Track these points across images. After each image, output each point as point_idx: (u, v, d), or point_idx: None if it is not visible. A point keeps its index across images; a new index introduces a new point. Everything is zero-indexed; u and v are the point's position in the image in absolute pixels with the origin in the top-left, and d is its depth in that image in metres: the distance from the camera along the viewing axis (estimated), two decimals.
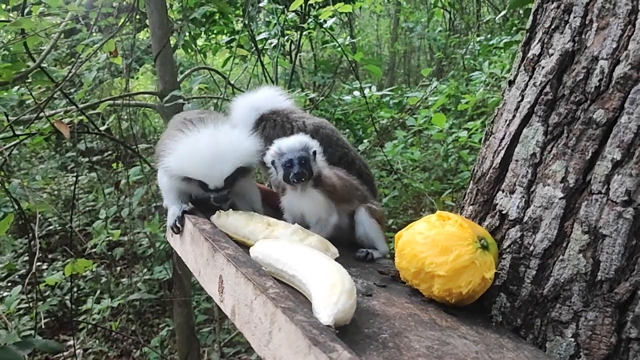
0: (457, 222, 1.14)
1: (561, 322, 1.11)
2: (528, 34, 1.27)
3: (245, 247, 1.27)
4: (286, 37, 4.58)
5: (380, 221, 1.53)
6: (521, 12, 7.12)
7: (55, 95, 4.74)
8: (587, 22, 1.12)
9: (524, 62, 1.25)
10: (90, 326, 4.66)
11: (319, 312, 0.93)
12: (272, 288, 1.00)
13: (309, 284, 1.03)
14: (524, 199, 1.18)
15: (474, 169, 1.38)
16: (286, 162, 1.38)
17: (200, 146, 1.41)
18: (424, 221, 1.20)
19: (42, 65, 3.37)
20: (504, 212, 1.21)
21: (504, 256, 1.20)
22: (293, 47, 5.41)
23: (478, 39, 6.58)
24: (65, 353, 4.48)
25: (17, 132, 3.40)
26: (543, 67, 1.19)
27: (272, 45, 4.28)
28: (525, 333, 1.16)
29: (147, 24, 4.35)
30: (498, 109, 1.32)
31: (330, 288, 0.96)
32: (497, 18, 5.64)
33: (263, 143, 1.65)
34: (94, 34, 3.50)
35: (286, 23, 4.48)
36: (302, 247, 1.15)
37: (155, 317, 5.33)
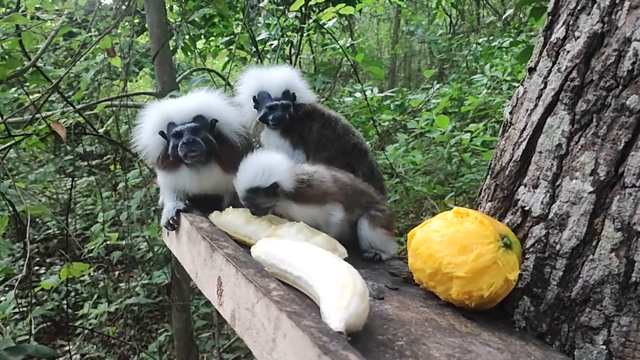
0: (476, 218, 1.05)
1: (591, 328, 1.02)
2: (550, 17, 1.18)
3: (246, 247, 1.18)
4: (286, 39, 4.51)
5: (388, 225, 1.40)
6: (521, 15, 7.07)
7: (52, 97, 4.67)
8: (617, 1, 1.03)
9: (547, 47, 1.16)
10: (86, 331, 4.56)
11: (328, 316, 0.84)
12: (275, 290, 0.91)
13: (316, 286, 0.93)
14: (548, 194, 1.09)
15: (490, 164, 1.29)
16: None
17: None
18: (439, 218, 1.11)
19: (38, 64, 3.29)
20: (526, 208, 1.12)
21: (527, 256, 1.10)
22: (293, 50, 5.34)
23: (480, 40, 6.51)
24: (61, 359, 4.38)
25: (13, 133, 3.32)
26: (568, 52, 1.10)
27: (272, 46, 4.21)
28: (551, 340, 1.06)
29: (146, 26, 4.28)
30: (517, 98, 1.23)
31: (341, 290, 0.86)
32: (503, 17, 5.56)
33: None
34: (92, 37, 3.42)
35: (286, 24, 4.40)
36: (308, 246, 1.05)
37: (153, 322, 5.24)
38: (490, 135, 4.74)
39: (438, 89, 5.36)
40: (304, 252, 1.02)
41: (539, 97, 1.14)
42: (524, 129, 1.16)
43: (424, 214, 5.29)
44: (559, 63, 1.11)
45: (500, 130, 1.27)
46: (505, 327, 1.07)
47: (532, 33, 5.42)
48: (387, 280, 1.20)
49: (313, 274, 0.95)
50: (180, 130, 1.33)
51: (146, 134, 1.39)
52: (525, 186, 1.13)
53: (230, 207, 1.34)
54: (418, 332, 0.94)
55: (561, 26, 1.13)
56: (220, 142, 1.37)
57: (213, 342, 4.30)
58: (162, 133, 1.36)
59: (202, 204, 1.44)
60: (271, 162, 1.28)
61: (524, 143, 1.14)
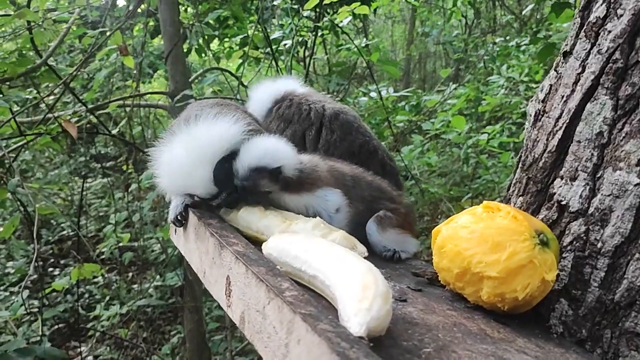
0: (509, 213, 0.96)
1: (637, 335, 0.92)
2: None
3: (258, 244, 1.10)
4: (300, 39, 4.44)
5: (403, 224, 1.27)
6: (538, 16, 6.93)
7: (66, 99, 4.65)
8: None
9: (584, 27, 1.06)
10: (99, 333, 4.52)
11: (347, 319, 0.75)
12: (289, 290, 0.83)
13: (333, 286, 0.85)
14: (588, 187, 0.99)
15: (520, 156, 1.20)
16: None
17: (173, 157, 1.21)
18: (467, 213, 1.01)
19: (51, 63, 3.26)
20: (563, 202, 1.02)
21: (564, 255, 1.01)
22: (307, 53, 5.27)
23: (497, 39, 6.40)
24: None
25: (25, 133, 3.29)
26: (610, 31, 1.00)
27: (286, 46, 4.14)
28: (592, 347, 0.96)
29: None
30: (550, 84, 1.14)
31: (362, 291, 0.78)
32: (524, 12, 5.44)
33: (277, 123, 1.50)
34: (104, 33, 3.38)
35: (301, 23, 4.34)
36: (325, 243, 0.97)
37: (166, 324, 5.20)
38: (507, 136, 4.64)
39: (455, 88, 5.27)
40: (320, 250, 0.93)
41: (576, 82, 1.05)
42: (560, 116, 1.06)
43: (439, 216, 5.19)
44: (599, 44, 1.02)
45: (531, 120, 1.17)
46: (542, 333, 0.97)
47: (551, 32, 5.30)
48: (410, 281, 1.11)
49: (330, 273, 0.87)
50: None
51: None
52: (562, 179, 1.03)
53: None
54: (446, 337, 0.85)
55: (601, 4, 1.03)
56: None
57: (226, 345, 4.24)
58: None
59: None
60: (279, 145, 1.21)
61: (560, 132, 1.05)
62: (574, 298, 0.99)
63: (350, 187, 1.24)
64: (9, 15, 2.54)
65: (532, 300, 0.94)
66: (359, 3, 3.71)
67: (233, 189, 1.20)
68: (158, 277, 4.86)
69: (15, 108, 3.03)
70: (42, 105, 3.76)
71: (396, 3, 7.45)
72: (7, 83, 3.42)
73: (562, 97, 1.07)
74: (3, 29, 3.05)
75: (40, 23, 2.61)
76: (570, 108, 1.04)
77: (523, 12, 5.75)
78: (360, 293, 0.77)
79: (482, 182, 4.79)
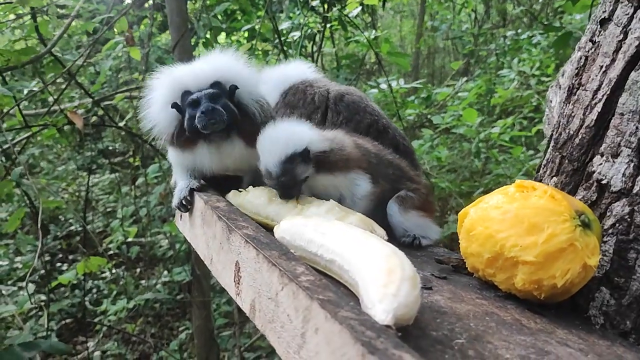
0: (545, 192, 0.87)
1: None
2: None
3: (269, 230, 1.02)
4: (309, 30, 4.36)
5: (424, 206, 1.20)
6: (548, 10, 6.80)
7: (74, 93, 4.60)
8: None
9: None
10: (106, 328, 4.48)
11: (371, 306, 0.67)
12: (304, 275, 0.74)
13: (353, 270, 0.76)
14: (632, 164, 0.90)
15: (551, 135, 1.11)
16: None
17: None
18: (499, 193, 0.93)
19: (56, 54, 3.19)
20: (604, 181, 0.93)
21: (606, 238, 0.92)
22: (315, 47, 5.19)
23: (508, 33, 6.29)
24: (79, 356, 4.31)
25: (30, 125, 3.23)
26: None
27: (295, 38, 4.06)
28: (636, 339, 0.87)
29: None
30: (585, 56, 1.05)
31: (387, 275, 0.69)
32: (540, 0, 5.31)
33: (284, 111, 1.42)
34: (108, 18, 3.31)
35: (310, 13, 4.25)
36: (342, 225, 0.88)
37: (175, 319, 5.15)
38: (519, 130, 4.53)
39: (466, 81, 5.17)
40: (337, 232, 0.85)
41: (617, 50, 0.96)
42: (599, 88, 0.97)
43: (448, 212, 5.10)
44: None
45: (564, 95, 1.08)
46: (582, 324, 0.88)
47: (563, 24, 5.18)
48: (433, 268, 1.02)
49: (350, 257, 0.78)
50: (197, 98, 1.16)
51: (157, 107, 1.23)
52: (602, 155, 0.94)
53: (251, 186, 1.19)
54: (479, 327, 0.76)
55: None
56: (240, 111, 1.20)
57: (234, 341, 4.18)
58: (175, 105, 1.20)
59: (218, 185, 1.29)
60: (293, 126, 1.14)
61: (600, 105, 0.96)
62: (617, 286, 0.90)
63: (374, 165, 1.17)
64: (11, 2, 2.48)
65: (572, 288, 0.85)
66: None
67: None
68: (166, 272, 4.81)
69: (21, 99, 2.97)
70: (49, 99, 3.71)
71: None
72: (14, 75, 3.37)
73: (601, 67, 0.98)
74: (9, 17, 2.98)
75: (44, 9, 2.54)
76: (611, 78, 0.95)
77: (536, 4, 5.62)
78: (385, 277, 0.69)
79: (492, 177, 4.70)
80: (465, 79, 5.42)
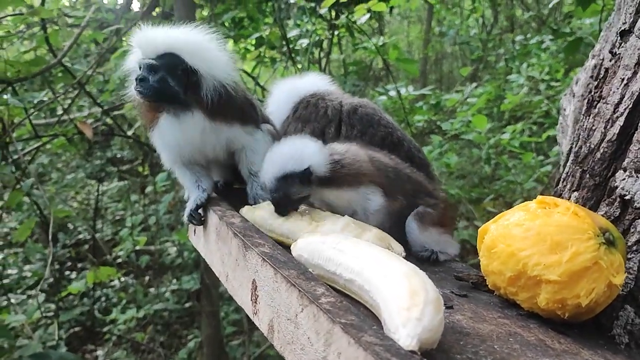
0: (568, 209, 0.85)
1: None
2: None
3: (284, 247, 1.01)
4: (317, 38, 4.36)
5: (444, 221, 1.18)
6: (557, 15, 6.77)
7: (83, 102, 4.62)
8: None
9: None
10: (114, 337, 4.48)
11: (395, 330, 0.66)
12: (325, 296, 0.73)
13: (374, 291, 0.75)
14: None
15: (570, 147, 1.09)
16: None
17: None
18: (520, 209, 0.91)
19: (66, 64, 3.21)
20: (627, 197, 0.91)
21: (630, 255, 0.90)
22: (322, 54, 5.19)
23: (517, 38, 6.27)
24: None
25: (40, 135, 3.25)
26: None
27: (303, 45, 4.06)
28: None
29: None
30: (606, 68, 1.03)
31: (410, 297, 0.68)
32: (551, 4, 5.29)
33: (295, 125, 1.41)
34: (118, 30, 3.33)
35: (317, 21, 4.26)
36: (361, 243, 0.87)
37: (183, 327, 5.14)
38: (528, 136, 4.50)
39: (476, 87, 5.15)
40: (356, 250, 0.83)
41: (638, 63, 0.94)
42: (620, 101, 0.95)
43: (458, 219, 5.08)
44: None
45: (584, 108, 1.06)
46: (607, 344, 0.86)
47: (572, 29, 5.16)
48: (453, 285, 1.00)
49: (370, 276, 0.77)
50: (140, 65, 1.16)
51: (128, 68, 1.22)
52: (625, 170, 0.93)
53: (266, 202, 1.17)
54: (503, 349, 0.75)
55: None
56: (196, 86, 1.18)
57: (243, 349, 4.16)
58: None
59: (232, 196, 1.28)
60: (300, 145, 1.12)
61: (622, 118, 0.94)
62: None
63: (392, 180, 1.15)
64: (23, 14, 2.49)
65: (596, 307, 0.84)
66: (375, 1, 3.62)
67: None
68: (174, 280, 4.81)
69: (31, 110, 2.98)
70: (58, 108, 3.73)
71: (413, 1, 7.34)
72: (24, 86, 3.39)
73: (622, 80, 0.97)
74: (20, 27, 3.00)
75: (54, 21, 2.55)
76: (633, 91, 0.93)
77: (544, 9, 5.60)
78: (408, 300, 0.67)
79: (502, 183, 4.67)
80: (474, 84, 5.40)
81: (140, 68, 1.17)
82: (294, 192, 1.09)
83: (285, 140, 1.16)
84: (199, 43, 1.19)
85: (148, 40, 1.17)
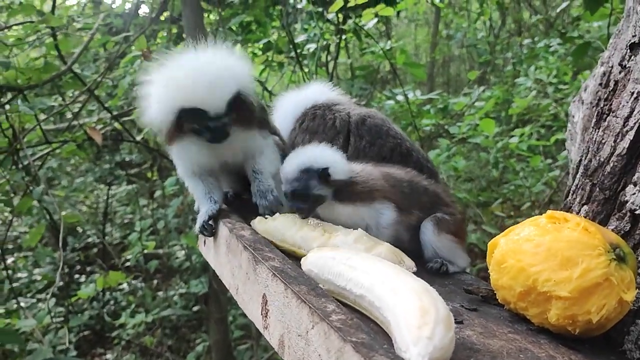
0: (579, 224, 0.85)
1: None
2: None
3: (294, 258, 1.01)
4: (325, 42, 4.36)
5: (457, 232, 1.19)
6: (565, 17, 6.75)
7: (92, 107, 4.66)
8: None
9: None
10: (123, 342, 4.50)
11: (405, 349, 0.66)
12: (335, 313, 0.74)
13: (384, 308, 0.75)
14: None
15: (580, 160, 1.09)
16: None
17: (190, 68, 1.16)
18: (530, 224, 0.91)
19: (76, 71, 3.24)
20: (637, 211, 0.91)
21: None
22: (330, 57, 5.20)
23: (525, 41, 6.25)
24: None
25: (50, 141, 3.28)
26: None
27: (310, 50, 4.07)
28: None
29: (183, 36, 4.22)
30: (615, 80, 1.03)
31: (420, 315, 0.68)
32: (561, 8, 5.26)
33: (303, 137, 1.42)
34: (127, 38, 3.35)
35: (325, 25, 4.26)
36: (372, 258, 0.88)
37: (192, 331, 5.16)
38: (536, 139, 4.48)
39: (483, 91, 5.14)
40: (367, 266, 0.84)
41: None
42: (630, 115, 0.95)
43: (466, 223, 5.06)
44: None
45: (594, 120, 1.06)
46: (617, 359, 0.86)
47: (580, 33, 5.14)
48: (462, 299, 1.01)
49: (381, 293, 0.77)
50: (211, 120, 1.15)
51: (157, 109, 1.17)
52: (635, 185, 0.92)
53: (277, 213, 1.18)
54: None
55: None
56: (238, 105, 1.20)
57: (251, 354, 4.17)
58: (182, 111, 1.15)
59: (242, 208, 1.29)
60: (323, 148, 1.19)
61: (632, 132, 0.94)
62: None
63: (407, 194, 1.17)
64: (34, 22, 2.52)
65: (607, 323, 0.84)
66: (383, 5, 3.63)
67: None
68: (183, 284, 4.82)
69: (41, 116, 3.01)
70: (68, 114, 3.76)
71: (420, 5, 7.33)
72: (34, 92, 3.42)
73: (632, 93, 0.96)
74: (30, 38, 3.04)
75: (64, 29, 2.58)
76: None
77: (553, 12, 5.58)
78: (418, 318, 0.68)
79: (510, 187, 4.65)
80: (482, 88, 5.38)
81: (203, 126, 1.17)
82: (312, 186, 1.13)
83: (307, 146, 1.21)
84: (241, 67, 1.22)
85: (212, 92, 1.15)
